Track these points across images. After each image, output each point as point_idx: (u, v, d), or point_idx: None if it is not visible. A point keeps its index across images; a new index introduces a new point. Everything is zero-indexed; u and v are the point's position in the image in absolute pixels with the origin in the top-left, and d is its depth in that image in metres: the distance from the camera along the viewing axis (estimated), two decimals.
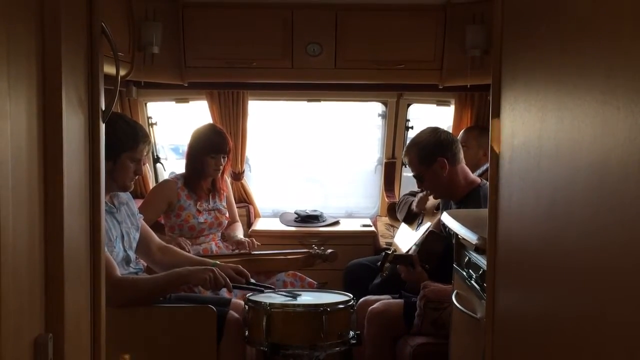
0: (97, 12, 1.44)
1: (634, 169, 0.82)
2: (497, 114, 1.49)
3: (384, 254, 3.05)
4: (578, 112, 1.01)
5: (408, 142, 3.18)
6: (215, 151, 3.54)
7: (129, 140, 2.62)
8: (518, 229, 1.40)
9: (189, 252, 3.38)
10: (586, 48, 0.99)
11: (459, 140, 3.14)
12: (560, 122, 1.09)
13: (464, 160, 3.09)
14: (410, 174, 4.44)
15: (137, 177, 2.73)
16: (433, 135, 3.07)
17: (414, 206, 3.61)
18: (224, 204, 3.71)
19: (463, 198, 3.03)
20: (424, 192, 3.53)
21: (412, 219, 3.66)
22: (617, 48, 0.88)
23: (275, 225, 4.24)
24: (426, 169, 3.05)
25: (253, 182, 4.53)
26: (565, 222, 1.09)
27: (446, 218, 2.37)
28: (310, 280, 3.44)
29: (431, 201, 3.53)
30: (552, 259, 1.16)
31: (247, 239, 3.63)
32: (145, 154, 2.73)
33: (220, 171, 3.63)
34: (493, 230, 1.54)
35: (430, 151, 3.03)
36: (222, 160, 3.59)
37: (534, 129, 1.24)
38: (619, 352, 0.89)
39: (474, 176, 3.11)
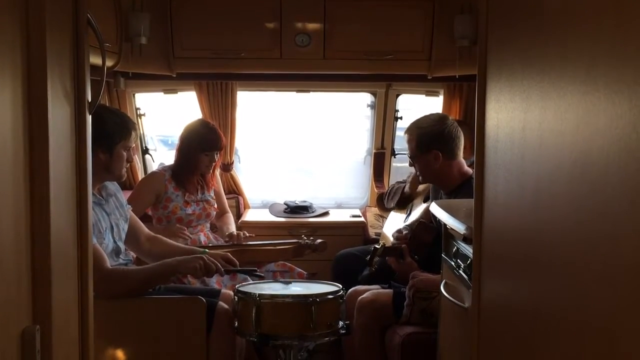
0: (83, 3, 1.43)
1: (615, 158, 0.83)
2: (482, 105, 1.50)
3: (372, 248, 3.06)
4: (561, 102, 1.02)
5: (413, 120, 3.17)
6: (210, 148, 3.55)
7: (121, 129, 2.65)
8: (503, 220, 1.42)
9: (187, 238, 3.38)
10: (568, 39, 1.00)
11: (461, 135, 3.12)
12: (544, 113, 1.10)
13: (461, 155, 3.09)
14: (400, 164, 4.46)
15: (128, 165, 2.75)
16: (438, 125, 3.06)
17: (407, 189, 3.62)
18: (212, 194, 3.71)
19: (455, 189, 3.04)
20: (415, 172, 3.53)
21: (404, 204, 3.67)
22: (598, 40, 0.89)
23: (265, 216, 4.25)
24: (420, 154, 3.06)
25: (242, 173, 4.52)
26: (549, 213, 1.10)
27: (434, 208, 2.38)
28: (300, 270, 3.45)
29: (418, 195, 3.54)
30: (536, 249, 1.17)
31: (238, 232, 3.62)
32: (135, 140, 2.75)
33: (212, 167, 3.64)
34: (479, 220, 1.55)
35: (429, 140, 3.02)
36: (215, 157, 3.60)
37: (518, 120, 1.25)
38: (601, 341, 0.90)
39: (467, 168, 3.11)
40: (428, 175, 3.13)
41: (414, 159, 3.11)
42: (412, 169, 3.50)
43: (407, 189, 3.63)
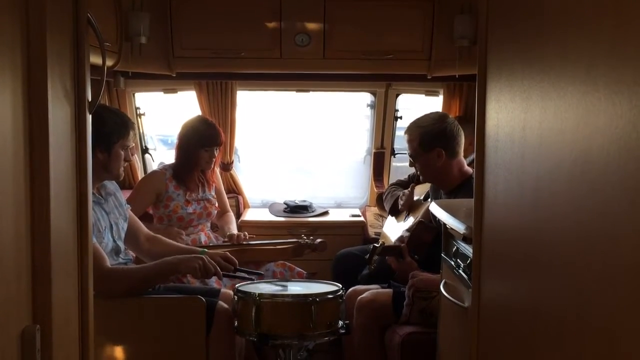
0: (83, 2, 1.43)
1: (615, 158, 0.83)
2: (482, 105, 1.50)
3: (372, 246, 3.05)
4: (561, 102, 1.02)
5: (413, 120, 3.16)
6: (209, 144, 3.56)
7: (120, 128, 2.65)
8: (503, 219, 1.42)
9: (183, 241, 3.39)
10: (568, 40, 1.00)
11: (462, 133, 3.12)
12: (544, 113, 1.10)
13: (462, 154, 3.09)
14: (400, 164, 4.45)
15: (126, 164, 2.75)
16: (439, 123, 3.06)
17: (400, 203, 3.60)
18: (213, 193, 3.71)
19: (454, 188, 3.04)
20: (409, 190, 3.52)
21: (399, 212, 3.67)
22: (598, 40, 0.89)
23: (265, 215, 4.25)
24: (422, 153, 3.05)
25: (242, 172, 4.52)
26: (549, 213, 1.10)
27: (434, 208, 2.38)
28: (300, 270, 3.45)
29: (416, 195, 3.53)
30: (536, 249, 1.17)
31: (239, 233, 3.61)
32: (133, 139, 2.76)
33: (213, 163, 3.64)
34: (479, 220, 1.55)
35: (431, 139, 3.02)
36: (215, 152, 3.60)
37: (519, 120, 1.25)
38: (601, 341, 0.90)
39: (467, 167, 3.11)
40: (429, 174, 3.12)
41: (416, 158, 3.10)
42: (407, 191, 3.51)
43: (400, 204, 3.60)
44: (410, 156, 3.15)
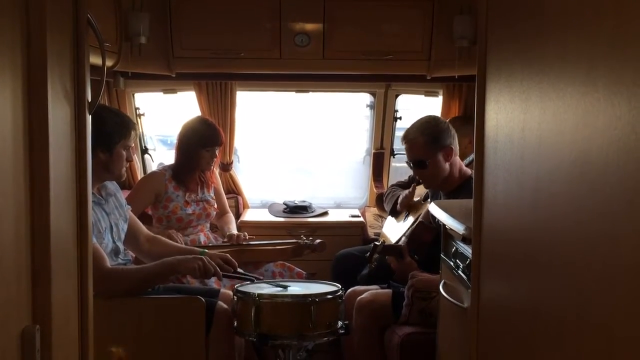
0: (83, 3, 1.43)
1: (614, 158, 0.84)
2: (482, 105, 1.50)
3: (372, 245, 3.05)
4: (560, 103, 1.02)
5: (408, 128, 3.13)
6: (210, 144, 3.56)
7: (121, 129, 2.66)
8: (503, 220, 1.42)
9: (180, 243, 3.38)
10: (568, 40, 1.00)
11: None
12: (543, 114, 1.10)
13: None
14: (399, 164, 4.44)
15: (128, 164, 2.76)
16: (440, 123, 3.06)
17: (399, 206, 3.60)
18: (212, 194, 3.72)
19: (454, 189, 3.03)
20: (409, 190, 3.52)
21: (398, 212, 3.67)
22: (598, 41, 0.89)
23: (264, 216, 4.25)
24: (432, 155, 3.00)
25: (242, 173, 4.52)
26: (548, 213, 1.10)
27: (434, 208, 2.38)
28: (299, 270, 3.45)
29: (416, 197, 3.53)
30: (536, 249, 1.18)
31: (238, 233, 3.61)
32: (134, 140, 2.77)
33: (213, 164, 3.65)
34: (478, 220, 1.55)
35: (439, 138, 3.00)
36: (215, 152, 3.61)
37: (518, 120, 1.25)
38: (600, 341, 0.90)
39: (466, 168, 3.11)
40: (435, 179, 3.05)
41: (423, 163, 3.02)
42: (407, 191, 3.50)
43: (399, 206, 3.59)
44: (415, 163, 3.06)
